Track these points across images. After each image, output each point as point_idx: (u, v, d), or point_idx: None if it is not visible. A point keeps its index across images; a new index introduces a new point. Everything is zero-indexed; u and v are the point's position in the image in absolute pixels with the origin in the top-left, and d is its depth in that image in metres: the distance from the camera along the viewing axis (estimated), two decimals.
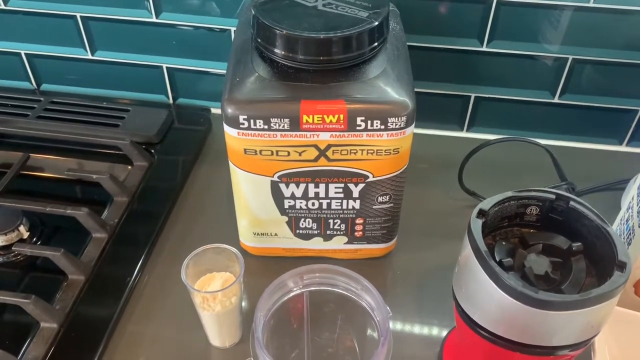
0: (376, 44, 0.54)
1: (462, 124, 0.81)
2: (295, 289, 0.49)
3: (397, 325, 0.60)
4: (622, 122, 0.78)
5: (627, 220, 0.58)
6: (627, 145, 0.80)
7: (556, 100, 0.77)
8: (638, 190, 0.57)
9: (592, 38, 0.71)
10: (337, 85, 0.53)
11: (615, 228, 0.61)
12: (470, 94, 0.78)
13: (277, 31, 0.52)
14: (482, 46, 0.73)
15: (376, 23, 0.53)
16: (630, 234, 0.56)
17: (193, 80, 0.83)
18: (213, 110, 0.85)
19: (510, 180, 0.73)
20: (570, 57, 0.73)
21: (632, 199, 0.58)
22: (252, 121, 0.53)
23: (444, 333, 0.59)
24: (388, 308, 0.46)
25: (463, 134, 0.82)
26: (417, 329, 0.60)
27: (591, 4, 0.68)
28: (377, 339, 0.46)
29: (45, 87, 0.88)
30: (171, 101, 0.86)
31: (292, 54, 0.53)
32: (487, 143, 0.69)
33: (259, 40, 0.55)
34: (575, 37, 0.71)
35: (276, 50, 0.53)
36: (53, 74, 0.86)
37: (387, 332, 0.45)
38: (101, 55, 0.82)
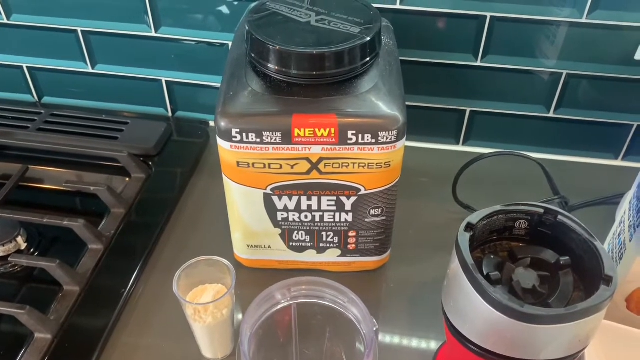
0: (368, 59, 0.55)
1: (458, 138, 0.82)
2: (283, 301, 0.49)
3: (389, 338, 0.61)
4: (618, 136, 0.78)
5: (619, 235, 0.58)
6: (622, 159, 0.80)
7: (551, 114, 0.77)
8: (630, 204, 0.57)
9: (587, 53, 0.71)
10: (329, 100, 0.53)
11: (608, 242, 0.61)
12: (465, 108, 0.79)
13: (271, 46, 0.53)
14: (476, 61, 0.74)
15: (368, 39, 0.54)
16: (622, 248, 0.56)
17: (192, 94, 0.84)
18: (211, 123, 0.86)
19: (505, 194, 0.73)
20: (565, 72, 0.73)
21: (624, 213, 0.58)
22: (244, 134, 0.54)
23: (436, 346, 0.59)
24: (375, 321, 0.47)
25: (459, 148, 0.83)
26: (409, 342, 0.60)
27: (584, 20, 0.68)
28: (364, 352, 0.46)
29: (46, 99, 0.89)
30: (170, 114, 0.87)
31: (284, 69, 0.54)
32: (480, 157, 0.70)
33: (253, 55, 0.55)
34: (570, 52, 0.71)
35: (269, 65, 0.54)
36: (54, 87, 0.87)
37: (372, 345, 0.45)
38: (101, 69, 0.83)
